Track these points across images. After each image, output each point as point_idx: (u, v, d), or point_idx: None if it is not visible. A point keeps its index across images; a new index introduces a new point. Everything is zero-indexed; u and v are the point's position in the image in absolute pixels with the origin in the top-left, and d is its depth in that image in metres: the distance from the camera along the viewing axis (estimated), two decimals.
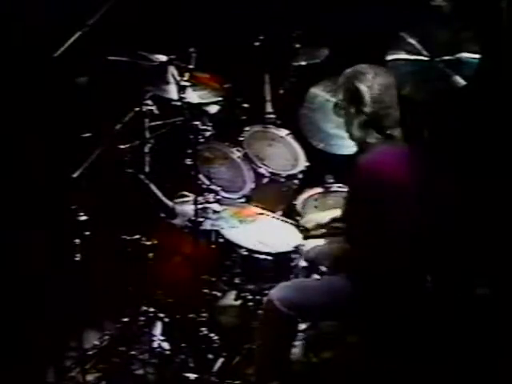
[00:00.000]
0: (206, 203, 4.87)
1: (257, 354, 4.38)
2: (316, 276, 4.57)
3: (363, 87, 4.19)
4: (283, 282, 4.48)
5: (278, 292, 4.27)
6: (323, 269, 4.56)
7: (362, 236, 4.09)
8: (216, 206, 4.90)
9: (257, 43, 5.80)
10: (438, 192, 4.28)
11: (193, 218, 4.74)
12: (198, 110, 4.92)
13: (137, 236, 4.86)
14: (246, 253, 4.75)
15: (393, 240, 4.07)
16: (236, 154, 5.36)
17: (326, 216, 4.75)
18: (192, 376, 4.66)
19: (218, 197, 5.00)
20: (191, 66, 4.74)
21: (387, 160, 4.15)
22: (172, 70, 4.78)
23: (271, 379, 4.29)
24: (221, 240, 4.82)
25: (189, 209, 4.92)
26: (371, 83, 4.20)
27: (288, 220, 5.00)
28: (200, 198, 4.81)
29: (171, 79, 4.78)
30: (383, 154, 4.16)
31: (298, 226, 4.89)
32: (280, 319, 4.22)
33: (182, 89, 4.67)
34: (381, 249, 4.06)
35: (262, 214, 5.03)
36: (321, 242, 4.58)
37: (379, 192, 4.08)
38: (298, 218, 5.05)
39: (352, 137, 4.28)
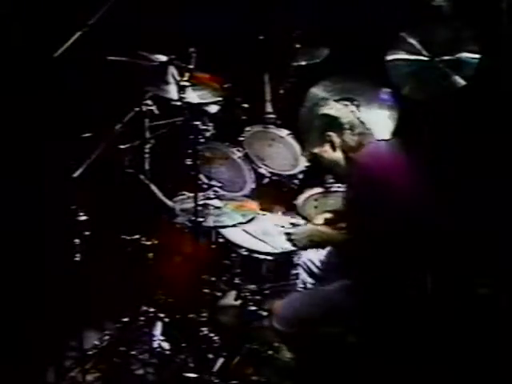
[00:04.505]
0: (207, 199, 4.85)
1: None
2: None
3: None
4: (283, 300, 4.47)
5: (278, 310, 4.29)
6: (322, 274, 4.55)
7: (363, 234, 4.07)
8: (217, 202, 4.87)
9: (256, 43, 5.80)
10: (438, 192, 4.27)
11: (193, 217, 4.73)
12: (198, 109, 4.91)
13: (137, 236, 4.86)
14: (246, 253, 4.75)
15: (393, 239, 4.05)
16: (236, 154, 5.36)
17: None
18: (192, 376, 4.66)
19: (218, 193, 4.98)
20: (191, 66, 4.74)
21: (389, 158, 4.10)
22: (172, 70, 4.77)
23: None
24: (221, 240, 4.82)
25: (189, 207, 4.90)
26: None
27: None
28: (200, 195, 4.79)
29: (171, 79, 4.78)
30: (383, 152, 4.12)
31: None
32: (280, 336, 4.31)
33: (181, 89, 4.67)
34: (381, 247, 4.05)
35: (263, 214, 5.02)
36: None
37: (383, 190, 4.03)
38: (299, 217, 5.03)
39: None
